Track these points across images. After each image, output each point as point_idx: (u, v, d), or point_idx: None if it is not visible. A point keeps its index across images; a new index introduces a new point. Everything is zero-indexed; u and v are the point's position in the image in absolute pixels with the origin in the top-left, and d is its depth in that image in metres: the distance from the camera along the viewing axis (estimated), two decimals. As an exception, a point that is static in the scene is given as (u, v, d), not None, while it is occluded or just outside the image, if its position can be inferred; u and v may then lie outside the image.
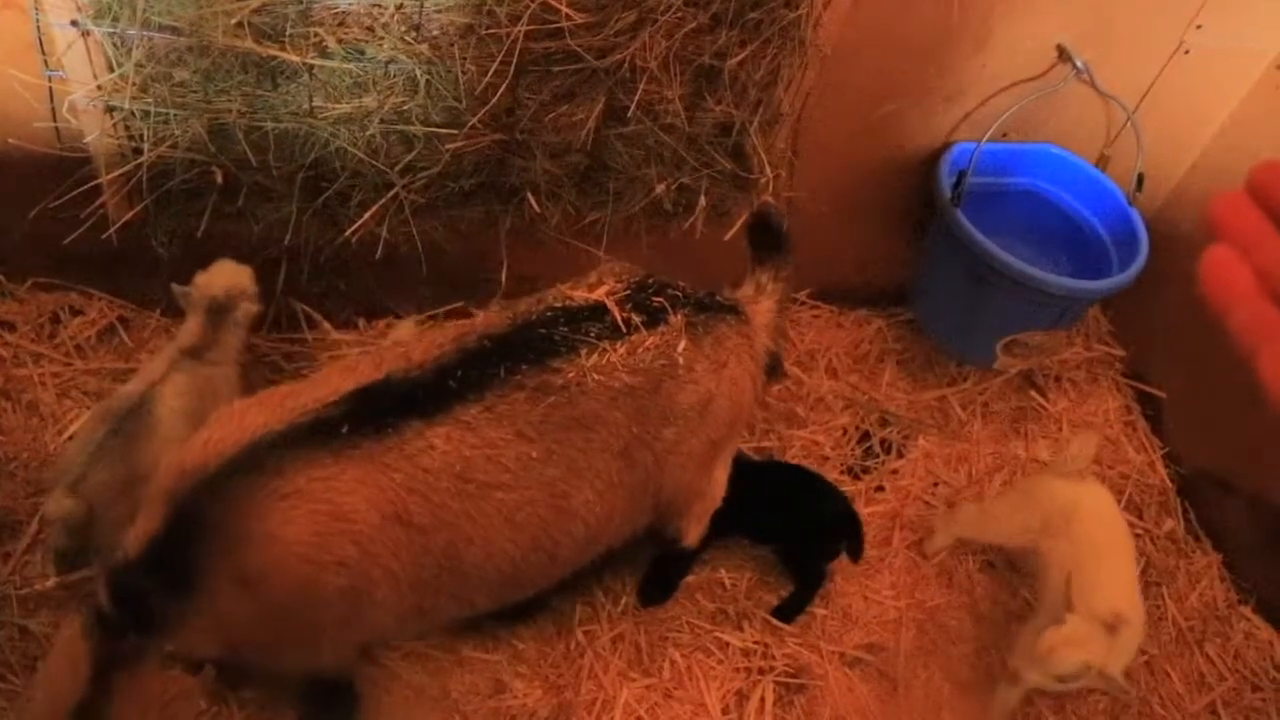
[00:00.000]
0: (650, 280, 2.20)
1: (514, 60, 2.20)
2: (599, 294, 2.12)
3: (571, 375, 2.01)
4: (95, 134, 2.35)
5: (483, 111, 2.32)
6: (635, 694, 2.63)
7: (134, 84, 2.27)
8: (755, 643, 2.75)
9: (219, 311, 2.51)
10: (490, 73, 2.26)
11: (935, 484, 3.15)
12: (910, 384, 3.33)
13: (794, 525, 2.76)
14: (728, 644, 2.74)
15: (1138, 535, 3.15)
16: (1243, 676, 2.96)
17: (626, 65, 2.28)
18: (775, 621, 2.79)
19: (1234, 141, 3.09)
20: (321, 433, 1.84)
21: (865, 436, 3.21)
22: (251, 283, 2.56)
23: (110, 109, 2.32)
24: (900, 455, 3.19)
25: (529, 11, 2.13)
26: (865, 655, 2.79)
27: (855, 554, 2.79)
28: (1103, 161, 3.06)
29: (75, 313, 2.76)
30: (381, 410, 1.89)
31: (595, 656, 2.67)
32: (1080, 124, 3.00)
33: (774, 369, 2.40)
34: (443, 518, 1.93)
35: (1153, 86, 2.92)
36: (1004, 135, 2.92)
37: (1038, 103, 2.86)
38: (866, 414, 3.24)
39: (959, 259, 2.84)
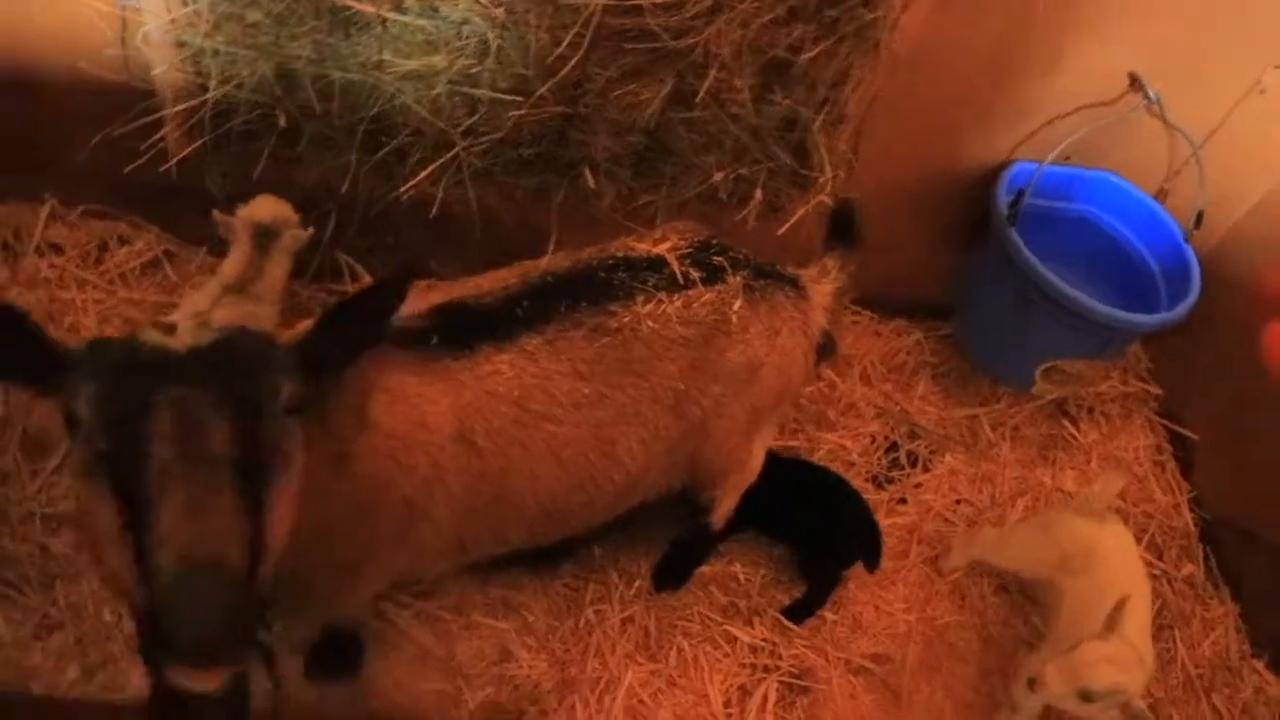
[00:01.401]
0: (714, 241, 2.25)
1: (589, 33, 2.19)
2: (662, 248, 2.18)
3: (627, 319, 2.06)
4: (164, 67, 2.35)
5: (551, 82, 2.31)
6: (639, 677, 2.64)
7: (207, 21, 2.27)
8: (763, 640, 2.75)
9: (265, 239, 2.54)
10: (564, 44, 2.25)
11: (958, 501, 3.14)
12: (943, 399, 3.32)
13: (816, 528, 2.75)
14: (736, 638, 2.75)
15: (1156, 576, 3.13)
16: (1249, 732, 2.94)
17: (699, 50, 2.27)
18: (785, 621, 2.80)
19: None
20: (417, 341, 1.88)
21: (893, 447, 3.20)
22: (294, 214, 2.60)
23: (181, 44, 2.32)
24: (926, 469, 3.18)
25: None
26: (871, 665, 2.79)
27: (872, 565, 2.79)
28: (1162, 195, 3.03)
29: (123, 243, 2.77)
30: (460, 329, 1.94)
31: (604, 636, 2.68)
32: (1143, 154, 2.97)
33: (827, 349, 2.41)
34: (499, 443, 1.96)
35: (1223, 124, 2.88)
36: (1065, 158, 2.89)
37: (1102, 129, 2.84)
38: (896, 425, 3.24)
39: (1008, 278, 2.82)
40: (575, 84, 2.37)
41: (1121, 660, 2.35)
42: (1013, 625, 2.93)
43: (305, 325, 1.62)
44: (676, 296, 2.10)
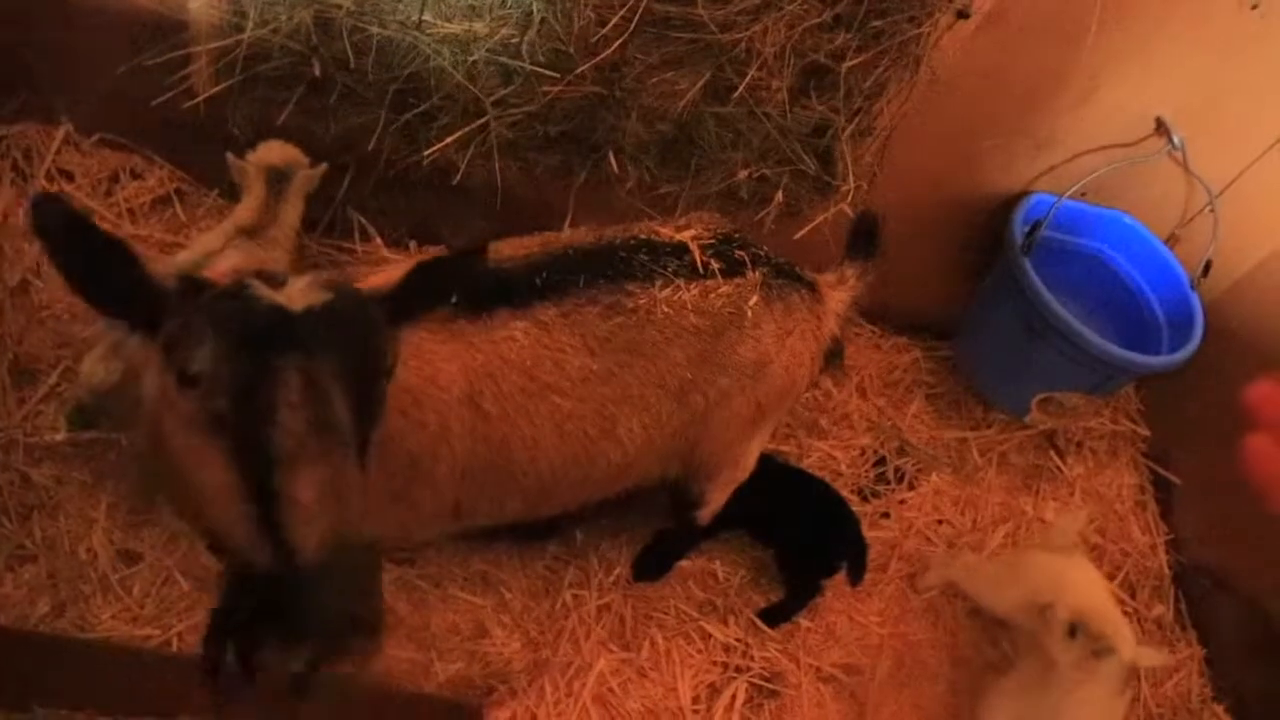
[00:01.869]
0: (736, 235, 2.25)
1: (636, 16, 2.18)
2: (685, 235, 2.17)
3: (643, 301, 2.06)
4: (201, 2, 2.32)
5: (591, 63, 2.30)
6: (611, 665, 2.63)
7: (249, -36, 2.25)
8: (737, 640, 2.76)
9: (278, 183, 2.54)
10: (609, 25, 2.24)
11: (940, 521, 3.16)
12: (935, 420, 3.33)
13: (806, 536, 2.76)
14: (710, 635, 2.75)
15: (1126, 613, 3.15)
16: (1202, 775, 2.98)
17: (743, 45, 2.26)
18: (759, 624, 2.80)
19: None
20: (422, 302, 1.82)
21: (881, 461, 3.21)
22: (304, 157, 2.60)
23: (221, -20, 2.30)
24: (911, 487, 3.20)
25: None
26: (841, 674, 2.80)
27: (855, 578, 2.79)
28: (1173, 240, 3.05)
29: (135, 176, 2.73)
30: (479, 292, 1.93)
31: (579, 621, 2.67)
32: (1159, 198, 2.99)
33: (834, 355, 2.42)
34: (506, 409, 1.96)
35: (1242, 175, 2.90)
36: (1082, 195, 2.91)
37: (1121, 170, 2.86)
38: (887, 439, 3.25)
39: (1016, 306, 2.83)
40: (614, 66, 2.35)
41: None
42: (982, 649, 2.95)
43: (379, 282, 1.64)
44: (694, 285, 2.11)
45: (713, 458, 2.36)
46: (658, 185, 2.70)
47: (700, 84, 2.38)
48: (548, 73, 2.36)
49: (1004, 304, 2.94)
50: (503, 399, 1.95)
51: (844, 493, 3.05)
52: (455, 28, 2.31)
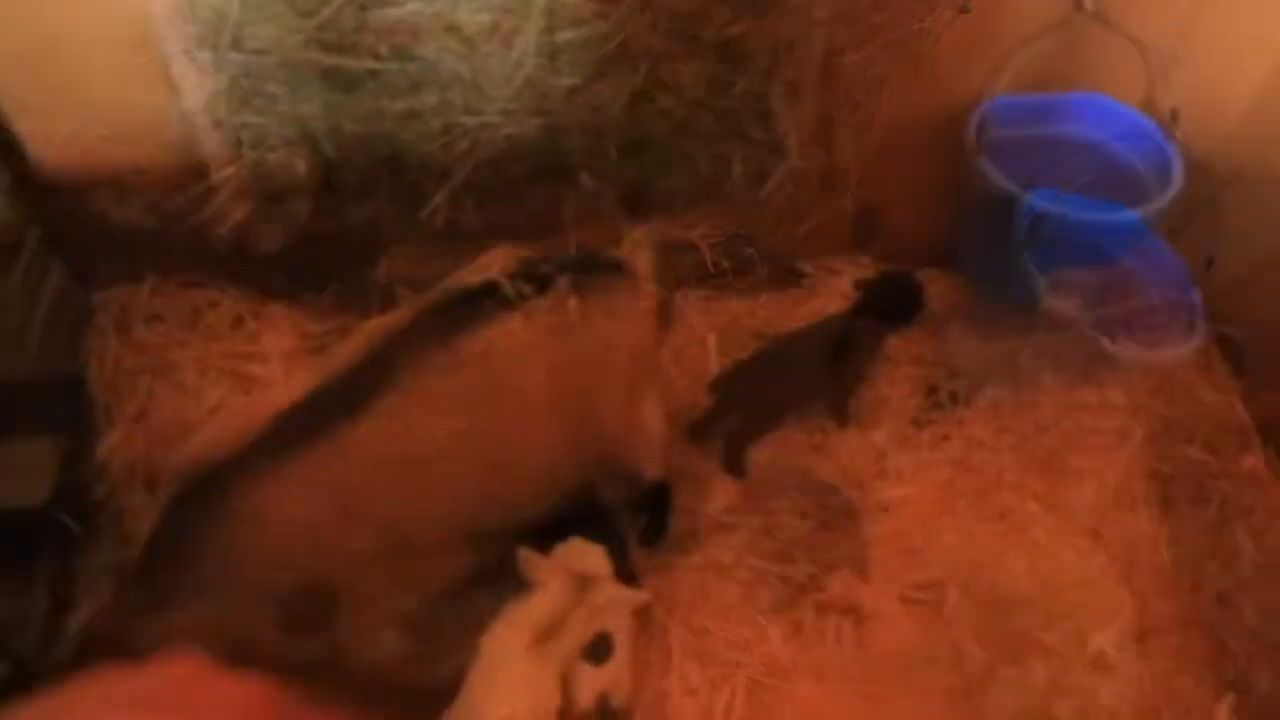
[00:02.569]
0: (535, 254, 2.41)
1: (531, 51, 2.51)
2: (490, 273, 2.32)
3: (477, 347, 2.20)
4: (208, 146, 2.79)
5: (520, 99, 2.64)
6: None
7: (234, 100, 2.70)
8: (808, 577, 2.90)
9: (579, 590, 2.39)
10: (522, 64, 2.58)
11: (1002, 430, 3.25)
12: (978, 339, 3.42)
13: None
14: (788, 577, 2.90)
15: (1213, 475, 3.17)
16: (1321, 607, 2.94)
17: (639, 47, 2.56)
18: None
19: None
20: (266, 451, 2.07)
21: (932, 389, 3.33)
22: (608, 564, 2.43)
23: (218, 123, 2.75)
24: (967, 405, 3.30)
25: (541, 7, 2.44)
26: (920, 594, 2.90)
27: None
28: (1148, 105, 3.10)
29: (212, 305, 3.21)
30: (312, 421, 2.10)
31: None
32: (1119, 69, 3.06)
33: (665, 311, 2.64)
34: (384, 500, 2.15)
35: (1186, 22, 2.95)
36: (1040, 87, 3.02)
37: (1073, 51, 2.96)
38: (934, 368, 3.37)
39: (989, 207, 2.96)
40: (543, 96, 2.69)
41: None
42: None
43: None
44: (517, 313, 2.25)
45: (620, 440, 2.54)
46: (637, 191, 3.00)
47: (627, 90, 2.69)
48: (494, 119, 2.72)
49: (980, 207, 3.06)
50: (378, 495, 2.14)
51: (899, 425, 3.22)
52: (406, 104, 2.70)
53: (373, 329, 2.31)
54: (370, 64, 2.58)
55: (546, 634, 2.24)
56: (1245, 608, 2.93)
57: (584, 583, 2.33)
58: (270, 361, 3.18)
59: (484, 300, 2.29)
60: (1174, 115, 2.97)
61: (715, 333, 3.32)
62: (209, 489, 2.05)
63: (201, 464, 2.08)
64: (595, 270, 2.44)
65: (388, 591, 2.26)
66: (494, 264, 2.39)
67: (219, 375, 3.13)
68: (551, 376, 2.32)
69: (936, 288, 3.51)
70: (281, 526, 2.08)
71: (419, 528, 2.24)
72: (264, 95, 2.69)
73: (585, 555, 2.39)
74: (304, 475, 2.08)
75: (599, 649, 2.36)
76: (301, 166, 2.75)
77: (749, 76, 2.71)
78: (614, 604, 2.37)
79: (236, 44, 2.59)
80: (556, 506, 2.51)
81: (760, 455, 3.12)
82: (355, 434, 2.11)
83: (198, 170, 2.83)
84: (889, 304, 3.24)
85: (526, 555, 2.34)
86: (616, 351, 2.44)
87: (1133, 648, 2.85)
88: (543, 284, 2.33)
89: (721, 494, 3.04)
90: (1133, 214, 2.94)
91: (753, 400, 3.07)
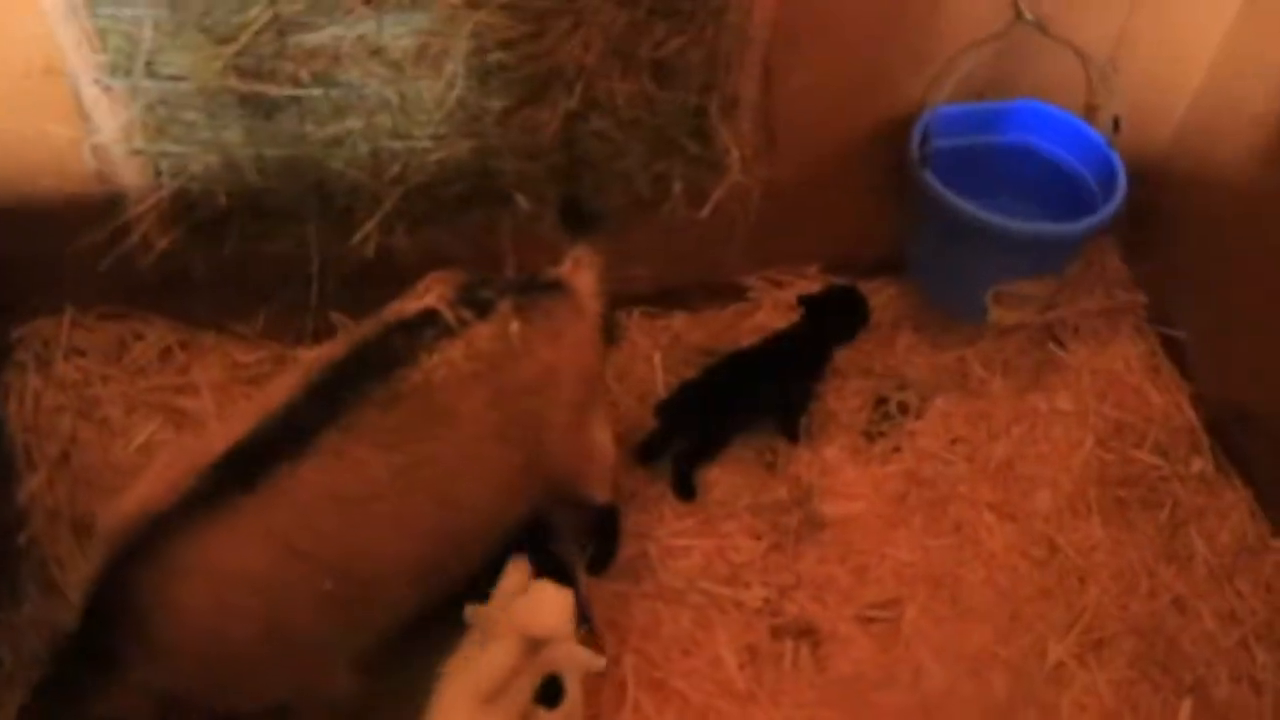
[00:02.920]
0: (475, 278, 2.34)
1: (460, 73, 2.43)
2: (429, 300, 2.25)
3: (417, 380, 2.14)
4: (125, 175, 2.67)
5: (451, 122, 2.56)
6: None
7: (151, 128, 2.59)
8: (764, 601, 2.85)
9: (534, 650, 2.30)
10: (452, 86, 2.50)
11: (954, 441, 3.21)
12: (927, 348, 3.39)
13: None
14: (741, 603, 2.85)
15: (1165, 478, 3.16)
16: (1275, 609, 2.93)
17: (572, 67, 2.48)
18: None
19: (1232, 69, 3.07)
20: (202, 503, 1.99)
21: (881, 401, 3.29)
22: (570, 621, 2.35)
23: (135, 152, 2.64)
24: (918, 417, 3.26)
25: (469, 29, 2.36)
26: (878, 613, 2.86)
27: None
28: (1089, 111, 3.09)
29: (138, 338, 3.09)
30: (251, 466, 2.02)
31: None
32: (1058, 77, 3.04)
33: (608, 330, 2.55)
34: (333, 540, 2.08)
35: (1124, 29, 2.94)
36: (980, 95, 2.99)
37: (1012, 59, 2.94)
38: (882, 379, 3.33)
39: (934, 217, 2.93)
40: (474, 118, 2.60)
41: None
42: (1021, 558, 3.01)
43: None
44: (457, 340, 2.19)
45: (568, 465, 2.50)
46: (577, 208, 2.92)
47: (560, 112, 2.61)
48: (422, 143, 2.63)
49: (924, 220, 3.03)
50: (323, 535, 2.06)
51: (849, 439, 3.18)
52: (332, 130, 2.60)
53: (309, 363, 2.24)
54: (291, 90, 2.48)
55: (497, 692, 2.20)
56: (1201, 611, 2.93)
57: (537, 644, 2.27)
58: (201, 394, 3.08)
59: (424, 329, 2.22)
60: (1116, 123, 2.95)
61: (660, 351, 3.26)
62: (150, 545, 1.96)
63: (140, 519, 1.99)
64: (536, 292, 2.38)
65: (342, 634, 2.22)
66: (432, 290, 2.32)
67: (148, 411, 3.02)
68: (495, 405, 2.25)
69: (884, 297, 3.48)
70: (230, 578, 2.01)
71: (369, 566, 2.17)
72: (182, 123, 2.59)
73: (552, 605, 2.34)
74: (249, 522, 2.01)
75: (550, 693, 2.32)
76: (224, 195, 2.64)
77: (686, 93, 2.64)
78: (570, 666, 2.32)
79: (151, 71, 2.48)
80: (508, 537, 2.45)
81: (710, 476, 3.07)
82: (298, 475, 2.04)
83: (117, 200, 2.72)
84: (833, 318, 3.18)
85: (478, 610, 2.30)
86: (561, 375, 2.38)
87: (1091, 657, 2.84)
88: (483, 309, 2.27)
89: (671, 518, 2.98)
90: (1080, 223, 2.91)
91: (701, 421, 3.01)
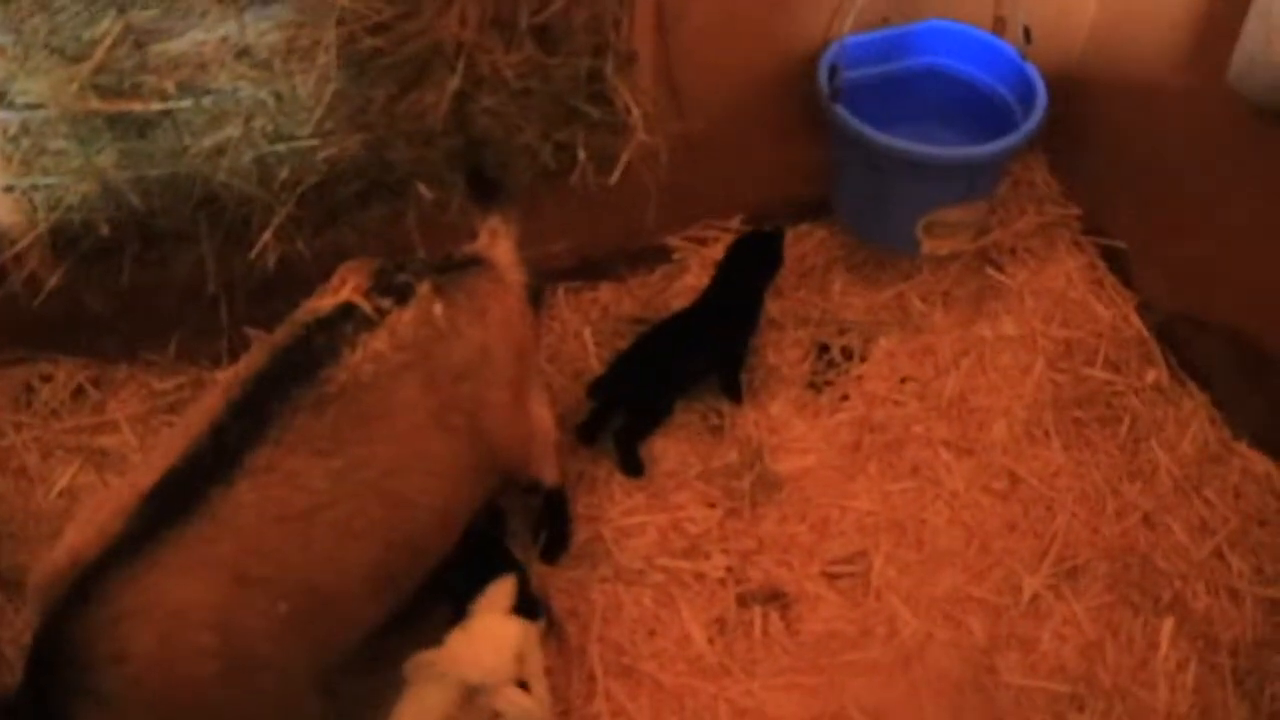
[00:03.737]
0: (389, 264, 2.24)
1: (334, 63, 2.29)
2: (344, 294, 2.16)
3: (344, 378, 2.05)
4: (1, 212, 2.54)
5: (333, 117, 2.43)
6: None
7: (17, 161, 2.44)
8: (728, 569, 2.78)
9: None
10: (328, 79, 2.37)
11: (903, 380, 3.13)
12: (864, 288, 3.30)
13: None
14: (703, 575, 2.77)
15: (1120, 392, 3.09)
16: (1246, 514, 2.86)
17: (451, 44, 2.35)
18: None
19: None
20: (135, 543, 1.89)
21: (824, 349, 3.19)
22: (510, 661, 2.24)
23: (5, 189, 2.50)
24: (863, 360, 3.17)
25: (336, 17, 2.23)
26: (844, 568, 2.78)
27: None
28: (998, 24, 2.99)
29: (45, 379, 2.97)
30: (182, 497, 1.93)
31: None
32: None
33: (535, 298, 2.47)
34: (283, 559, 1.99)
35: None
36: (885, 20, 2.89)
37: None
38: (821, 326, 3.24)
39: (853, 153, 2.83)
40: (360, 110, 2.47)
41: None
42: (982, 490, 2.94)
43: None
44: (380, 332, 2.11)
45: (512, 448, 2.41)
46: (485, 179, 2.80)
47: (447, 92, 2.48)
48: (308, 142, 2.50)
49: (845, 155, 2.93)
50: (271, 556, 1.98)
51: (795, 392, 3.09)
52: (212, 140, 2.47)
53: (228, 381, 2.13)
54: (159, 104, 2.35)
55: None
56: (1172, 526, 2.86)
57: (475, 691, 2.18)
58: (121, 429, 2.96)
59: (343, 325, 2.13)
60: (1027, 33, 2.85)
61: (589, 326, 3.16)
62: (86, 594, 1.85)
63: (71, 569, 1.88)
64: (455, 270, 2.28)
65: (306, 657, 2.12)
66: (346, 283, 2.22)
67: (66, 454, 2.89)
68: (429, 393, 2.16)
69: (813, 240, 3.38)
70: (177, 617, 1.91)
71: (324, 581, 2.08)
72: (50, 153, 2.45)
73: (491, 644, 2.25)
74: (188, 556, 1.91)
75: None
76: (107, 223, 2.50)
77: (577, 57, 2.52)
78: (512, 713, 2.22)
79: (6, 102, 2.34)
80: (462, 531, 2.37)
81: (656, 447, 2.97)
82: (234, 498, 1.95)
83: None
84: (753, 264, 3.07)
85: (418, 661, 2.23)
86: (494, 353, 2.28)
87: (1066, 586, 2.77)
88: (402, 295, 2.17)
89: (621, 496, 2.89)
90: (1002, 142, 2.81)
91: (637, 393, 2.91)
